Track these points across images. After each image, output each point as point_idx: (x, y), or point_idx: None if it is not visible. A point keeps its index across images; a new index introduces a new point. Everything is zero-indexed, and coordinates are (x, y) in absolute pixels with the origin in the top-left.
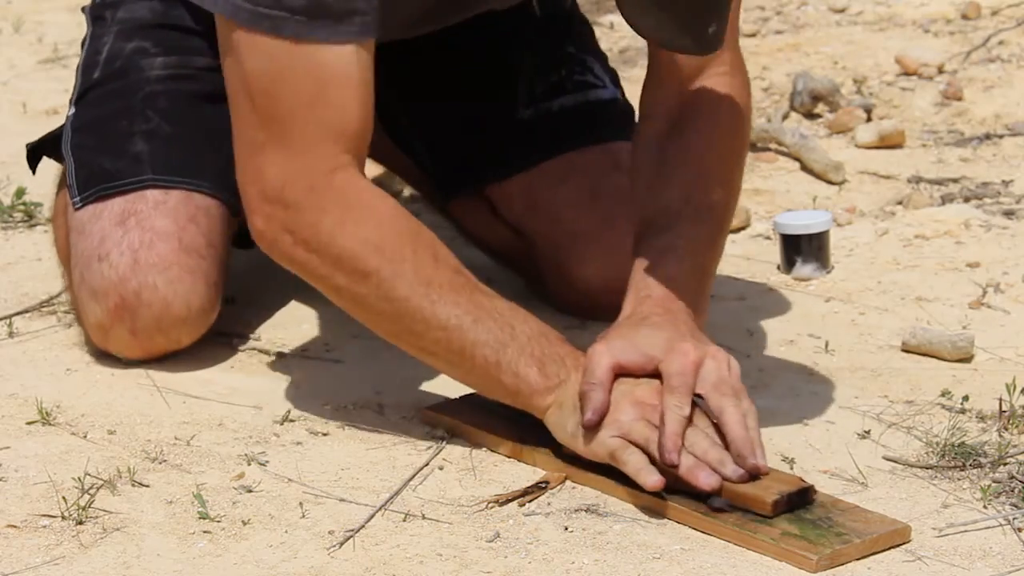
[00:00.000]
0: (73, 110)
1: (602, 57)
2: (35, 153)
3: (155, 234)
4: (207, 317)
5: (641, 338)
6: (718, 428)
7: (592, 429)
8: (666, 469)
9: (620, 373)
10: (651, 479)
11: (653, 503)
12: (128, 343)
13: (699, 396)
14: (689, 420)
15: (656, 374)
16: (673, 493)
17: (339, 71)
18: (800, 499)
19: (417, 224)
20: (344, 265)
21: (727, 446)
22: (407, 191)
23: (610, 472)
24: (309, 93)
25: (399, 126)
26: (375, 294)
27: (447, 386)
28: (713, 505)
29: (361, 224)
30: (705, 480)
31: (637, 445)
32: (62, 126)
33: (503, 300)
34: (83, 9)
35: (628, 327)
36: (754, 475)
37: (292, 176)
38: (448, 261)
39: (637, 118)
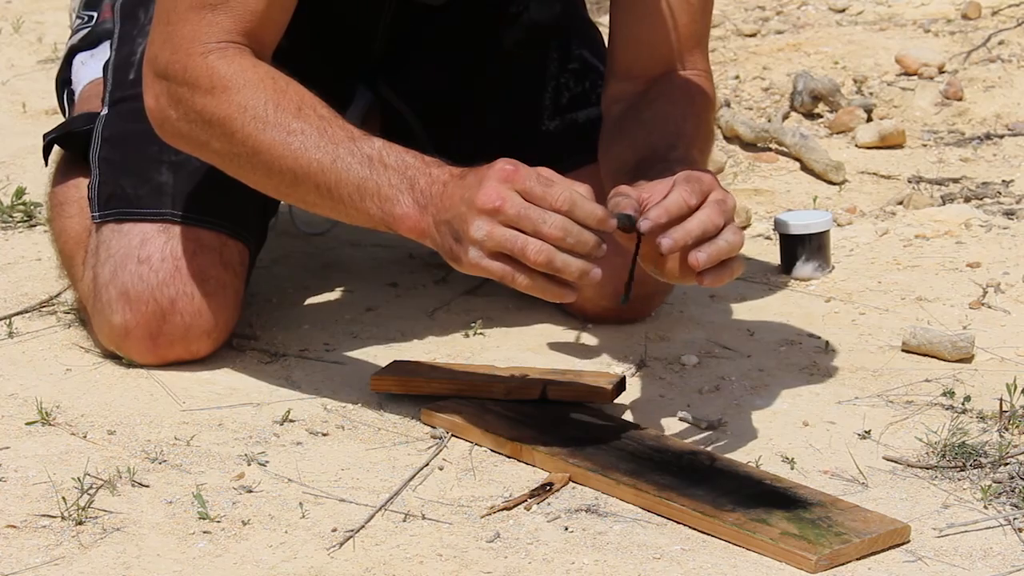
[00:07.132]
0: (106, 111)
1: None
2: (52, 144)
3: (199, 244)
4: (227, 332)
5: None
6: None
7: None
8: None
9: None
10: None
11: (653, 504)
12: (146, 348)
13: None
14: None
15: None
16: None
17: None
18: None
19: (285, 83)
20: (215, 129)
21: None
22: None
23: (611, 472)
24: None
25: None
26: (244, 150)
27: None
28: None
29: (226, 91)
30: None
31: (505, 251)
32: (83, 116)
33: (367, 136)
34: (111, 6)
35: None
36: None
37: (174, 56)
38: (315, 108)
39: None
